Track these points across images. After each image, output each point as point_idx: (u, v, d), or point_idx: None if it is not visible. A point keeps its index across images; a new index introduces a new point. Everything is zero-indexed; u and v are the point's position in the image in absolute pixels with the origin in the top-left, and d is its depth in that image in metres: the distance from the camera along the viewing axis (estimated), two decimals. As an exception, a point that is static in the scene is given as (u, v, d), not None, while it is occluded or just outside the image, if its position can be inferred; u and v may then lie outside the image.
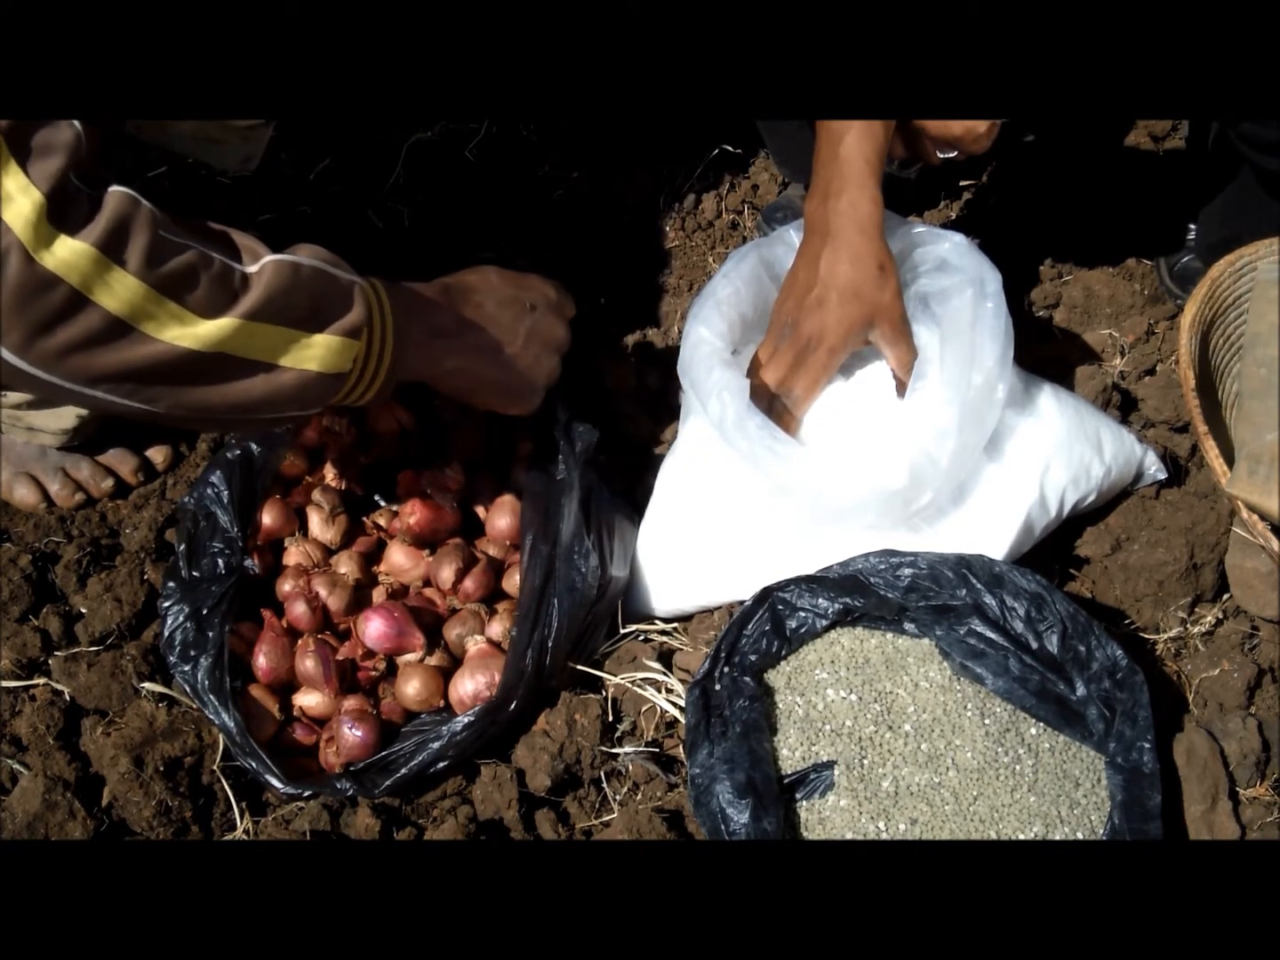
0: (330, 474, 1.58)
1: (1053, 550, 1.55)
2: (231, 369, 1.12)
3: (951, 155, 1.51)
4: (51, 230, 0.98)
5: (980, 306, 1.43)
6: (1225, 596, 1.51)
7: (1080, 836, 1.25)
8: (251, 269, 1.13)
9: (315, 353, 1.16)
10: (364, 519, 1.58)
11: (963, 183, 2.11)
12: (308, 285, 1.15)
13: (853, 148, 1.39)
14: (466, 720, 1.34)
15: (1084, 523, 1.57)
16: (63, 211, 0.99)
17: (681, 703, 1.40)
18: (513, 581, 1.49)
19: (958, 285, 1.45)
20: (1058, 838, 1.24)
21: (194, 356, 1.08)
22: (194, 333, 1.07)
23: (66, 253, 0.99)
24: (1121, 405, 1.71)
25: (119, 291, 1.02)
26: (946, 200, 2.09)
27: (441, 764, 1.35)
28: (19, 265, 0.97)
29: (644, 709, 1.44)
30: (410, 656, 1.45)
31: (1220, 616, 1.50)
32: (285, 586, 1.50)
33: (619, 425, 1.74)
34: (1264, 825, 1.33)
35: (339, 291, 1.19)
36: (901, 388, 1.45)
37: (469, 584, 1.47)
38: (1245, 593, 1.48)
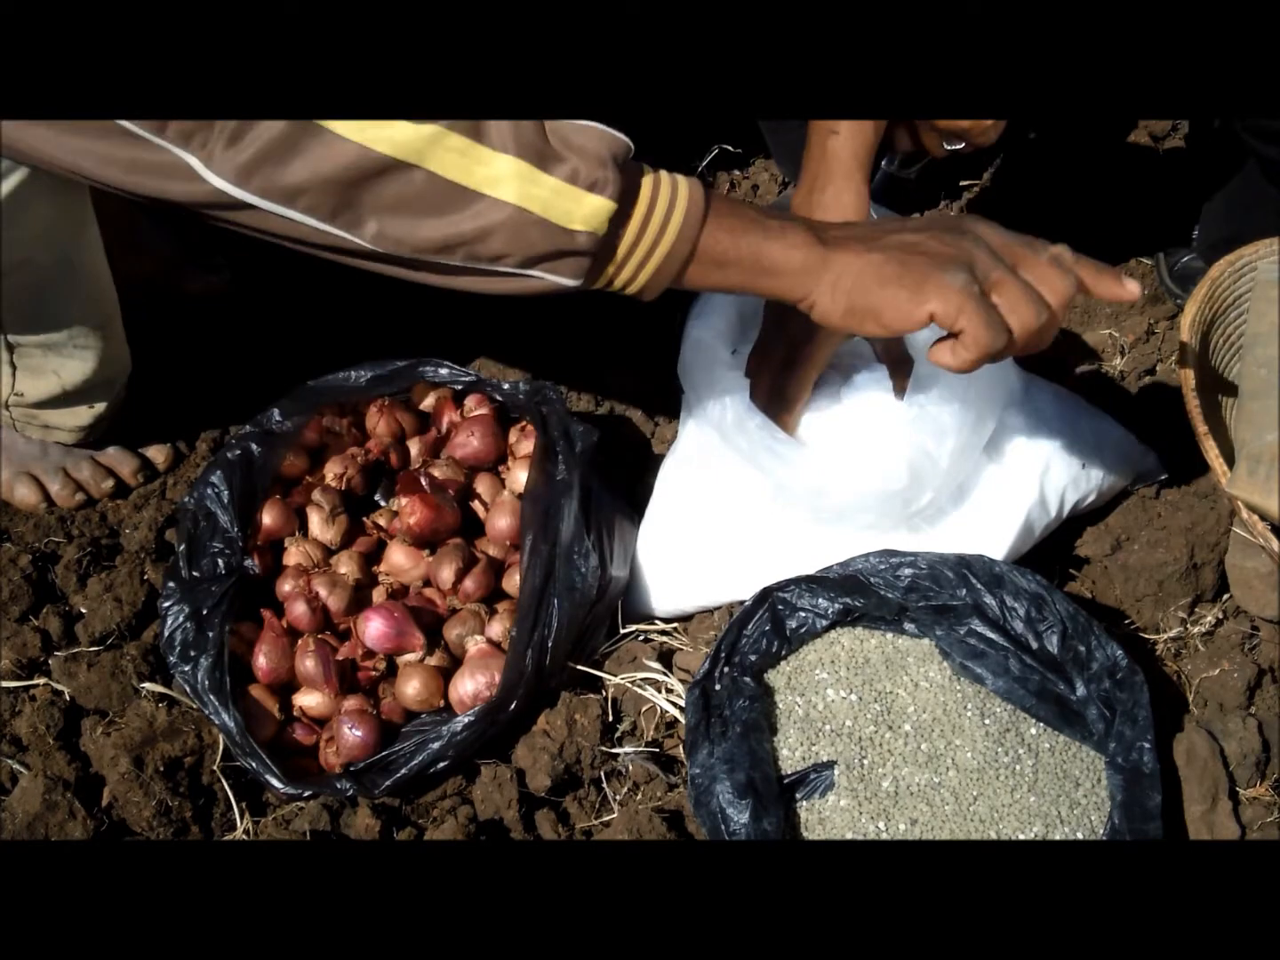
0: (330, 474, 1.58)
1: (1053, 550, 1.55)
2: (441, 191, 1.00)
3: (958, 148, 1.51)
4: None
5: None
6: (1225, 596, 1.51)
7: (1080, 836, 1.25)
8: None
9: (540, 193, 1.02)
10: (364, 519, 1.58)
11: (963, 183, 2.11)
12: (530, 123, 1.03)
13: (840, 143, 1.37)
14: (466, 720, 1.34)
15: (1084, 523, 1.57)
16: None
17: (681, 703, 1.40)
18: (513, 581, 1.49)
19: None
20: (1058, 838, 1.24)
21: (394, 165, 0.98)
22: (391, 133, 0.97)
23: None
24: (1121, 405, 1.71)
25: None
26: (946, 200, 2.09)
27: (441, 764, 1.35)
28: None
29: (644, 709, 1.44)
30: (410, 656, 1.45)
31: (1220, 616, 1.50)
32: (285, 586, 1.50)
33: (619, 425, 1.74)
34: (1264, 825, 1.33)
35: (582, 138, 1.04)
36: (896, 386, 1.44)
37: (469, 584, 1.47)
38: (1245, 593, 1.48)
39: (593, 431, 1.50)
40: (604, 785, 1.39)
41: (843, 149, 1.38)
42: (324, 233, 1.02)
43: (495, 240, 1.03)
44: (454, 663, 1.45)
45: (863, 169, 1.39)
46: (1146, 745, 1.26)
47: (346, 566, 1.52)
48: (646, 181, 1.07)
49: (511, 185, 1.01)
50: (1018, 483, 1.46)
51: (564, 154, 1.02)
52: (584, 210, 1.03)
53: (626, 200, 1.05)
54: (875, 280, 1.10)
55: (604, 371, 1.79)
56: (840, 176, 1.38)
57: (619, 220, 1.06)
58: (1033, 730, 1.30)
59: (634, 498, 1.61)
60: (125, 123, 0.95)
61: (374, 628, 1.43)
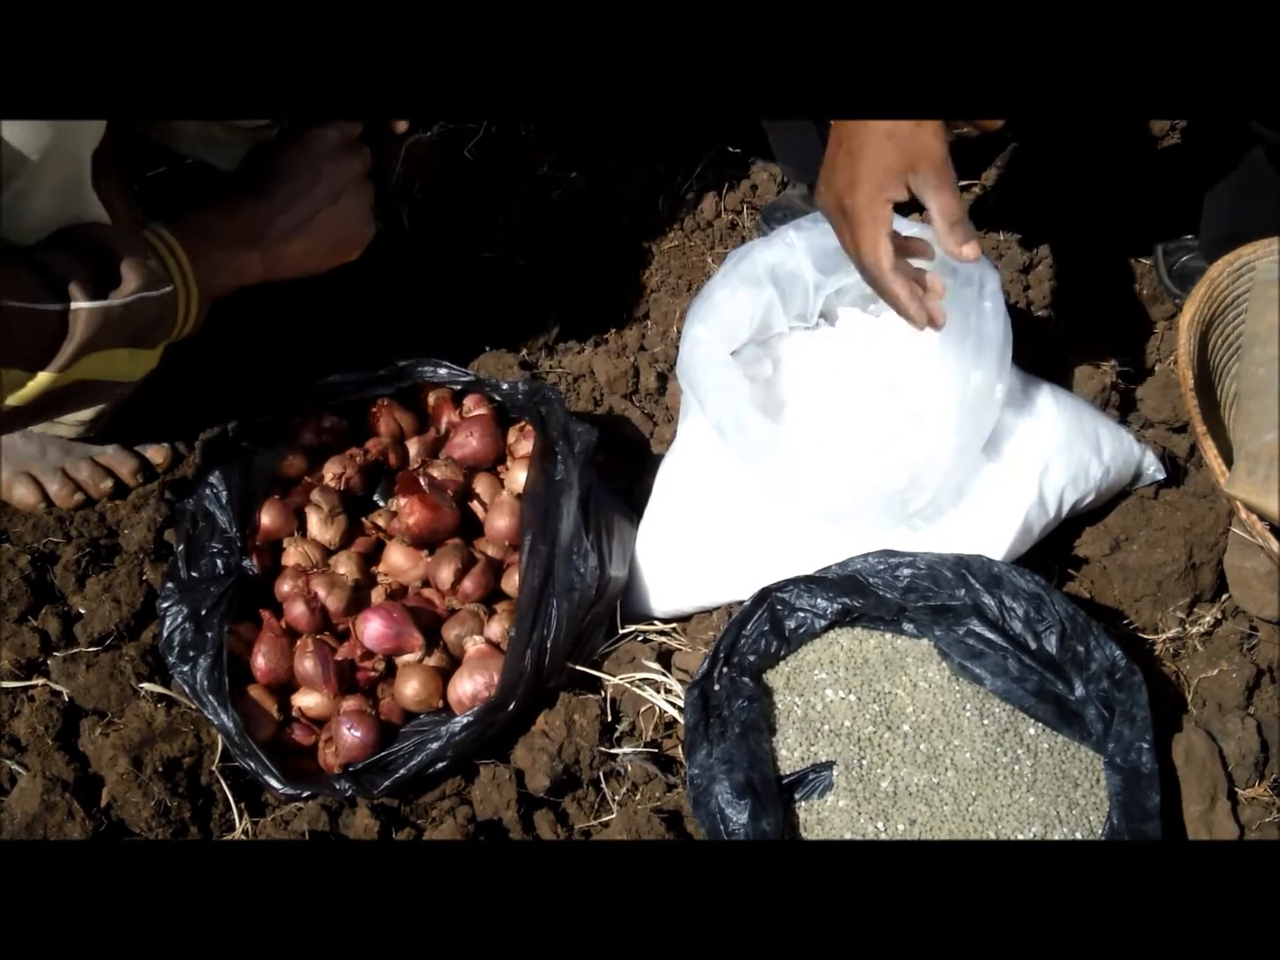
0: (329, 474, 1.58)
1: (1052, 550, 1.55)
2: (72, 394, 1.18)
3: (964, 132, 1.51)
4: None
5: (979, 306, 1.43)
6: (1224, 597, 1.51)
7: (1079, 836, 1.25)
8: (67, 307, 1.14)
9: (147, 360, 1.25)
10: (363, 519, 1.58)
11: (962, 183, 2.10)
12: (123, 320, 1.17)
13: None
14: (465, 721, 1.34)
15: (1083, 523, 1.57)
16: None
17: (680, 703, 1.40)
18: (512, 582, 1.49)
19: (956, 285, 1.45)
20: (1056, 838, 1.24)
21: (20, 411, 1.14)
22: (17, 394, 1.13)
23: None
24: (1120, 405, 1.71)
25: None
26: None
27: (440, 764, 1.35)
28: None
29: (643, 709, 1.44)
30: (409, 657, 1.45)
31: (1219, 617, 1.50)
32: (284, 587, 1.50)
33: (618, 425, 1.74)
34: (1263, 825, 1.33)
35: (150, 307, 1.21)
36: (946, 238, 1.30)
37: (468, 584, 1.47)
38: (1244, 593, 1.48)
39: (592, 431, 1.50)
40: (603, 786, 1.39)
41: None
42: None
43: None
44: (453, 663, 1.45)
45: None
46: (1145, 745, 1.26)
47: (345, 567, 1.52)
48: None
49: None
50: (1016, 483, 1.46)
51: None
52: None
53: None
54: (322, 256, 1.43)
55: (603, 370, 1.79)
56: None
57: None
58: (1031, 730, 1.30)
59: (633, 498, 1.61)
60: None
61: (373, 628, 1.43)
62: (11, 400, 1.12)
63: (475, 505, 1.57)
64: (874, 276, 1.30)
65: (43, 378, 1.13)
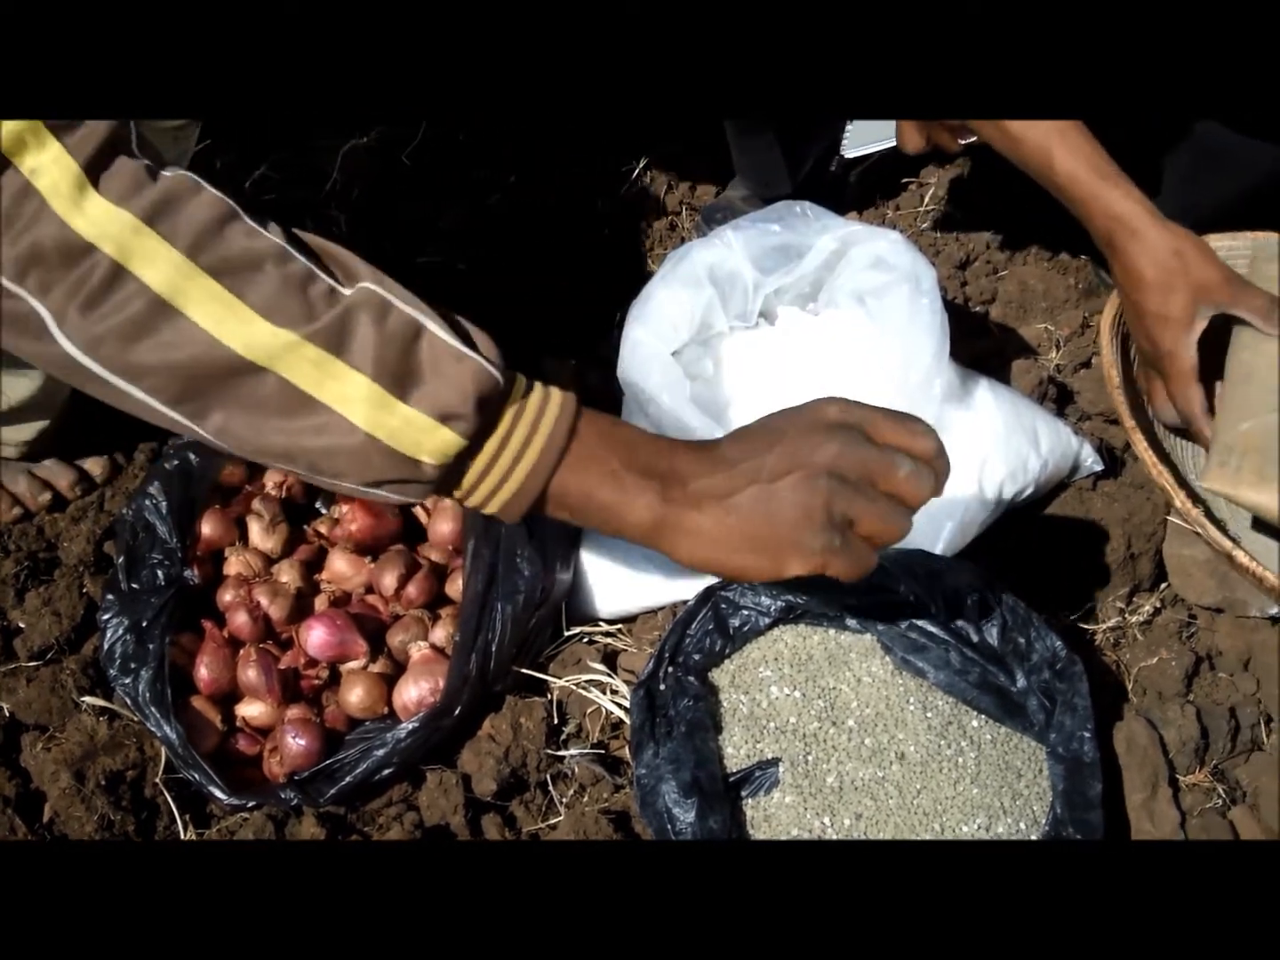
0: (270, 483, 1.57)
1: (992, 543, 1.56)
2: (289, 400, 0.94)
3: (971, 140, 1.52)
4: (91, 195, 0.89)
5: (915, 303, 1.44)
6: (1163, 585, 1.53)
7: (1023, 827, 1.26)
8: (346, 291, 0.96)
9: (391, 421, 0.95)
10: (305, 527, 1.58)
11: (904, 179, 2.12)
12: (400, 337, 0.96)
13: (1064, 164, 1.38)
14: (411, 727, 1.34)
15: (1022, 515, 1.58)
16: (107, 181, 0.90)
17: (626, 704, 1.40)
18: (455, 587, 1.49)
19: (893, 282, 1.46)
20: (1001, 829, 1.25)
21: (245, 365, 0.92)
22: (247, 333, 0.92)
23: (101, 215, 0.89)
24: (1057, 398, 1.73)
25: (161, 265, 0.90)
26: (882, 199, 2.10)
27: (386, 771, 1.34)
28: (54, 231, 0.88)
29: (589, 711, 1.44)
30: (353, 664, 1.44)
31: (1158, 605, 1.52)
32: (226, 596, 1.49)
33: (560, 428, 1.74)
34: (1204, 811, 1.35)
35: (445, 363, 0.97)
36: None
37: (411, 590, 1.47)
38: (1183, 581, 1.49)
39: (533, 433, 1.50)
40: (550, 788, 1.39)
41: (1071, 168, 1.38)
42: (167, 417, 0.96)
43: (338, 460, 0.97)
44: (397, 669, 1.45)
45: (1107, 176, 1.38)
46: (1087, 735, 1.27)
47: (288, 575, 1.51)
48: (506, 414, 1.00)
49: (361, 408, 0.94)
50: (956, 477, 1.45)
51: (425, 380, 0.96)
52: (433, 443, 0.96)
53: (479, 437, 0.99)
54: (731, 547, 1.03)
55: (545, 374, 1.79)
56: (1088, 199, 1.39)
57: (468, 453, 0.99)
58: (975, 722, 1.31)
59: (577, 500, 1.61)
60: None
61: (316, 636, 1.43)
62: (236, 344, 0.92)
63: (418, 511, 1.57)
64: (1186, 420, 1.42)
65: (286, 336, 0.93)
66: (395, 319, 0.96)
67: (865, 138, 1.83)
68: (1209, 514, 1.40)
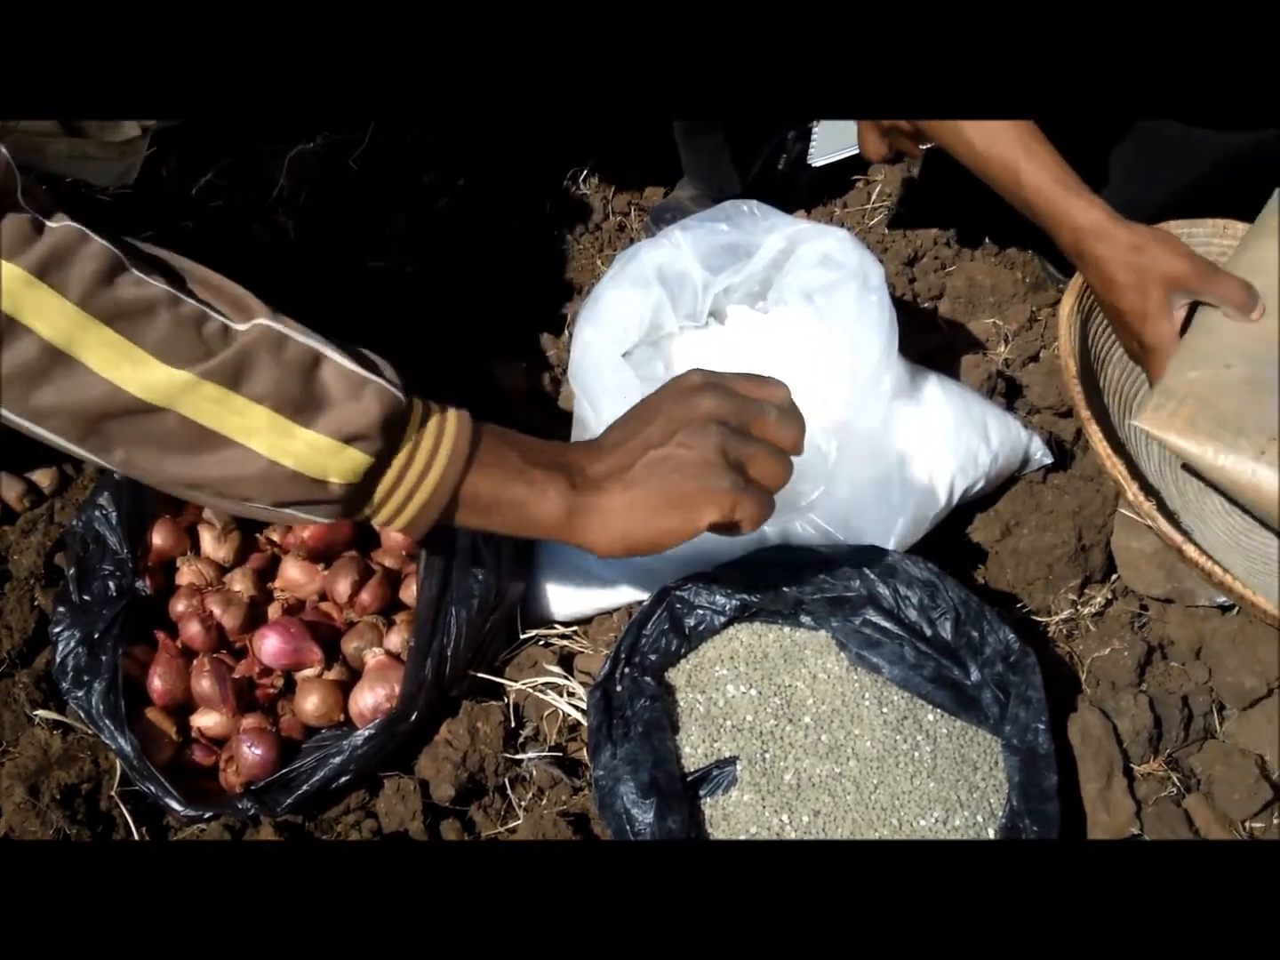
0: (221, 491, 1.56)
1: (944, 538, 1.57)
2: (191, 436, 0.98)
3: (931, 145, 1.53)
4: None
5: (864, 300, 1.44)
6: (1114, 577, 1.54)
7: (980, 819, 1.26)
8: (240, 327, 0.99)
9: (295, 447, 0.99)
10: (257, 535, 1.57)
11: (855, 178, 2.13)
12: (299, 366, 0.99)
13: (1031, 180, 1.40)
14: (367, 733, 1.33)
15: (973, 509, 1.59)
16: None
17: (583, 705, 1.40)
18: (410, 592, 1.48)
19: (841, 280, 1.47)
20: (958, 822, 1.25)
21: (143, 406, 0.95)
22: (144, 375, 0.94)
23: None
24: (1007, 392, 1.73)
25: (53, 318, 0.92)
26: (830, 197, 2.11)
27: (344, 778, 1.34)
28: None
29: (546, 713, 1.44)
30: (308, 672, 1.44)
31: (1110, 597, 1.53)
32: (179, 606, 1.48)
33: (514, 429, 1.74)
34: (1159, 800, 1.36)
35: (347, 387, 1.01)
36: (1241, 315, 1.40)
37: (365, 596, 1.46)
38: (1132, 573, 1.51)
39: (485, 438, 1.49)
40: (509, 792, 1.39)
41: (1038, 182, 1.40)
42: (74, 451, 0.99)
43: (244, 487, 1.00)
44: (353, 676, 1.44)
45: (1070, 188, 1.39)
46: (1041, 726, 1.27)
47: (240, 584, 1.50)
48: (410, 430, 1.04)
49: (264, 438, 0.98)
50: (907, 472, 1.47)
51: (328, 405, 1.00)
52: (341, 464, 1.00)
53: (386, 454, 1.03)
54: (645, 514, 1.07)
55: (496, 375, 1.79)
56: (1056, 212, 1.40)
57: (376, 471, 1.03)
58: (930, 717, 1.32)
59: (530, 503, 1.61)
60: None
61: (270, 644, 1.42)
62: (133, 388, 0.95)
63: (372, 516, 1.56)
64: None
65: (180, 376, 0.96)
66: (293, 349, 0.99)
67: (830, 146, 1.84)
68: (1161, 507, 1.41)
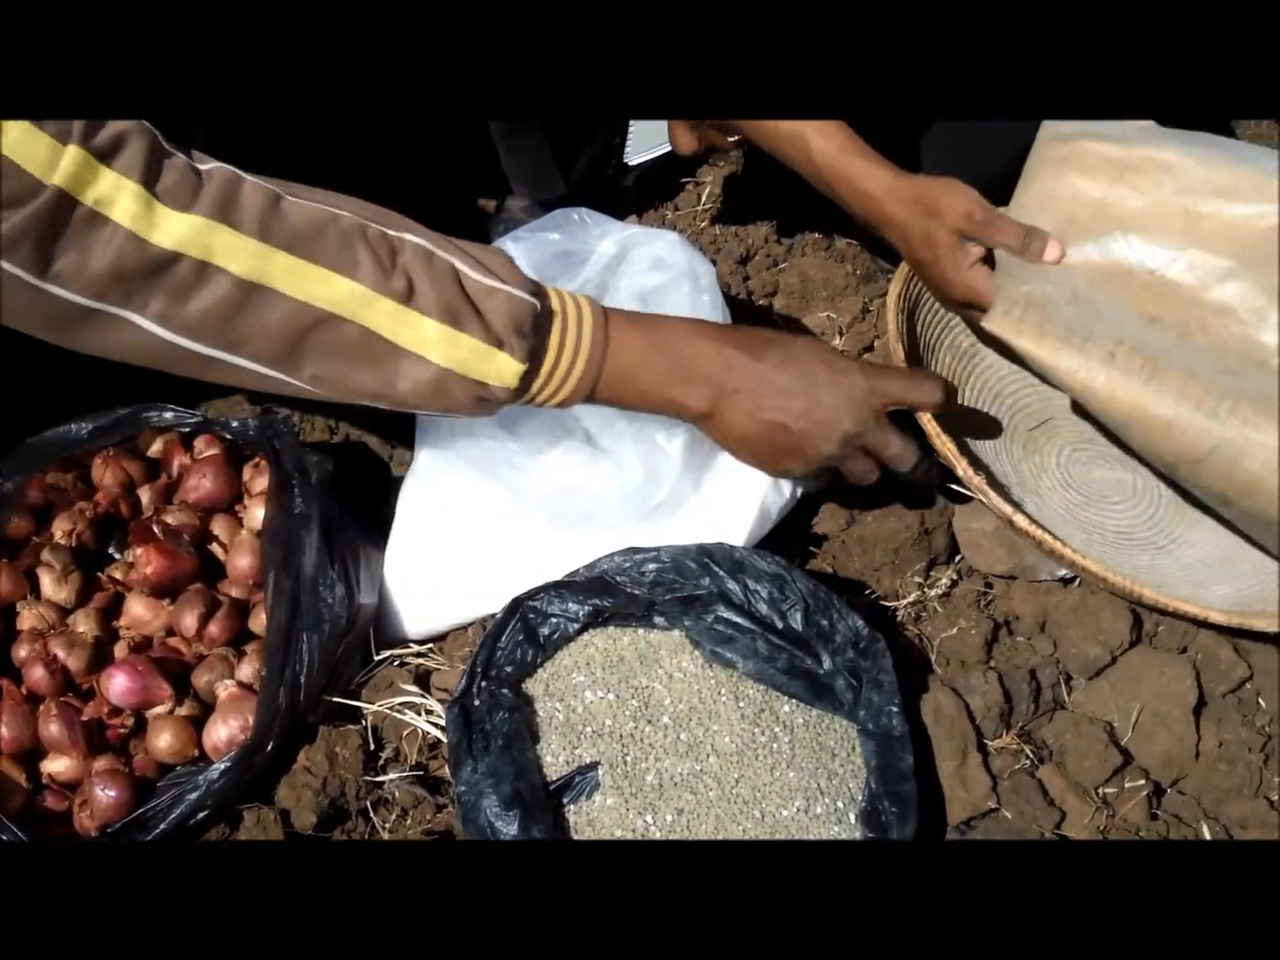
0: (59, 532, 1.53)
1: (792, 531, 1.59)
2: (374, 347, 1.13)
3: (740, 135, 1.54)
4: (160, 210, 1.02)
5: (696, 300, 1.46)
6: (957, 558, 1.57)
7: (840, 805, 1.28)
8: (393, 233, 1.15)
9: (460, 355, 1.15)
10: (99, 574, 1.53)
11: (680, 180, 2.14)
12: (448, 280, 1.15)
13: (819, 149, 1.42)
14: (223, 767, 1.31)
15: (819, 501, 1.61)
16: (166, 192, 1.02)
17: (442, 723, 1.39)
18: (259, 621, 1.46)
19: (673, 281, 1.48)
20: (819, 809, 1.27)
21: (331, 318, 1.10)
22: (329, 291, 1.09)
23: (175, 227, 1.02)
24: (845, 385, 1.75)
25: (241, 256, 1.05)
26: (661, 200, 2.12)
27: (201, 814, 1.31)
28: (134, 251, 1.01)
29: (405, 733, 1.43)
30: (159, 709, 1.41)
31: (955, 578, 1.55)
32: (21, 652, 1.44)
33: (356, 452, 1.73)
34: (1014, 773, 1.39)
35: (485, 295, 1.17)
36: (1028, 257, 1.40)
37: (213, 628, 1.44)
38: (975, 552, 1.54)
39: (328, 460, 1.48)
40: (371, 815, 1.38)
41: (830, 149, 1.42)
42: (265, 377, 1.13)
43: (422, 393, 1.17)
44: (206, 710, 1.42)
45: (858, 153, 1.42)
46: (894, 709, 1.30)
47: (85, 624, 1.47)
48: (554, 334, 1.21)
49: (437, 348, 1.14)
50: (750, 469, 1.49)
51: (478, 314, 1.15)
52: (497, 368, 1.17)
53: (535, 357, 1.20)
54: (748, 450, 1.34)
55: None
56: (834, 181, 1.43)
57: (529, 374, 1.20)
58: (786, 708, 1.33)
59: (378, 522, 1.60)
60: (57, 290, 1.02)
61: (118, 684, 1.39)
62: (322, 304, 1.10)
63: (215, 547, 1.54)
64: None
65: (357, 290, 1.12)
66: (439, 263, 1.15)
67: (644, 144, 1.85)
68: (991, 481, 1.44)
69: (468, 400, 1.19)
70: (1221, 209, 1.30)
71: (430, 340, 1.14)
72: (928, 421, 1.41)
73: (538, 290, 1.22)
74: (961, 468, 1.38)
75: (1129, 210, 1.35)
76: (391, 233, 1.14)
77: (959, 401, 1.62)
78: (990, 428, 1.64)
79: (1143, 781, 1.39)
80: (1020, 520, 1.36)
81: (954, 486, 1.46)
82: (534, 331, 1.19)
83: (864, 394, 1.30)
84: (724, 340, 1.29)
